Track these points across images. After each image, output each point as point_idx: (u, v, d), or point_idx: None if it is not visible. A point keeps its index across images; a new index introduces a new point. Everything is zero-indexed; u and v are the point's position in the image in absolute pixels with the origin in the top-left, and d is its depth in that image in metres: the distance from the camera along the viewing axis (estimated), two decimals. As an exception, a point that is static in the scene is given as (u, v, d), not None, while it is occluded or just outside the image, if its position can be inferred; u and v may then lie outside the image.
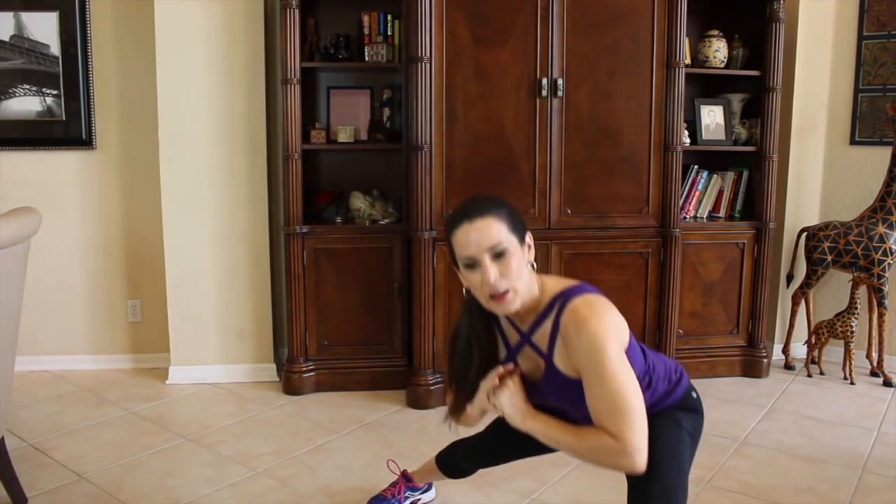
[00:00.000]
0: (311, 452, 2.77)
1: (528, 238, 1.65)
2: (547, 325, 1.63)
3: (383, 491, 2.35)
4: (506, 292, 1.57)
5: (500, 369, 1.70)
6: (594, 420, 1.55)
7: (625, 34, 3.15)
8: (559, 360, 1.62)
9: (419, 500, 2.38)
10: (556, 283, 1.66)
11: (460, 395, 1.78)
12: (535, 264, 1.66)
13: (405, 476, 2.35)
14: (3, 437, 2.24)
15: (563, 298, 1.61)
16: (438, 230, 3.11)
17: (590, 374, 1.55)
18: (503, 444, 2.01)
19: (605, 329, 1.54)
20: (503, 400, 1.64)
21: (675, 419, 1.75)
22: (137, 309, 3.70)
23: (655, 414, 1.72)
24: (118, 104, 3.58)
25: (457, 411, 1.81)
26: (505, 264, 1.57)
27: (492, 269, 1.56)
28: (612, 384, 1.52)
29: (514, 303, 1.59)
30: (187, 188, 3.38)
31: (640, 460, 1.51)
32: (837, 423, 3.06)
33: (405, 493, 2.33)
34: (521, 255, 1.60)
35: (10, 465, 2.29)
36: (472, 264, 1.58)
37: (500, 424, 1.88)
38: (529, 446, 1.79)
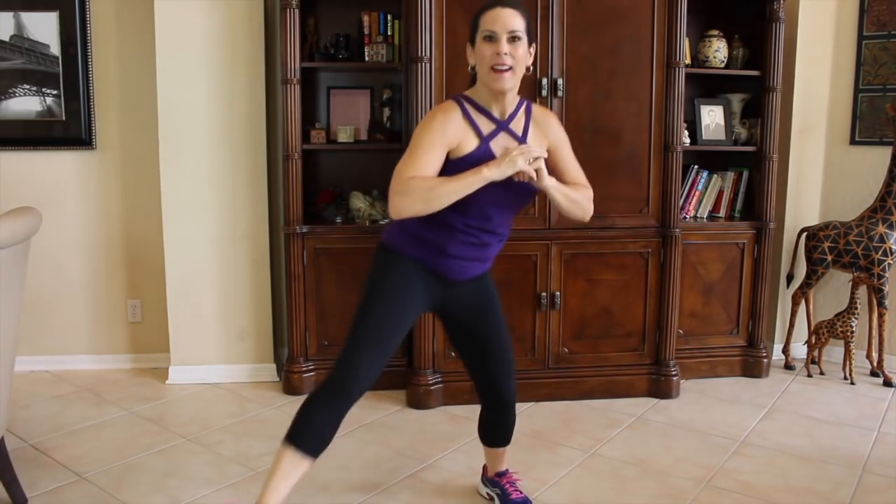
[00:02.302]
0: (311, 452, 2.76)
1: (533, 48, 1.99)
2: (521, 114, 2.02)
3: None
4: (507, 69, 1.89)
5: (522, 147, 1.90)
6: (571, 177, 2.07)
7: (625, 34, 3.15)
8: (532, 140, 2.02)
9: None
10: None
11: None
12: (531, 69, 1.99)
13: None
14: (3, 437, 2.24)
15: (526, 101, 2.05)
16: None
17: (565, 147, 2.08)
18: (387, 351, 2.03)
19: None
20: (543, 166, 1.90)
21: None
22: (137, 309, 3.70)
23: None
24: (118, 104, 3.58)
25: None
26: (515, 48, 1.90)
27: (506, 46, 1.88)
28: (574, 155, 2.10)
29: (509, 82, 1.91)
30: (187, 188, 3.38)
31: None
32: (837, 423, 3.07)
33: None
34: (526, 52, 1.93)
35: (10, 465, 2.29)
36: (491, 37, 1.89)
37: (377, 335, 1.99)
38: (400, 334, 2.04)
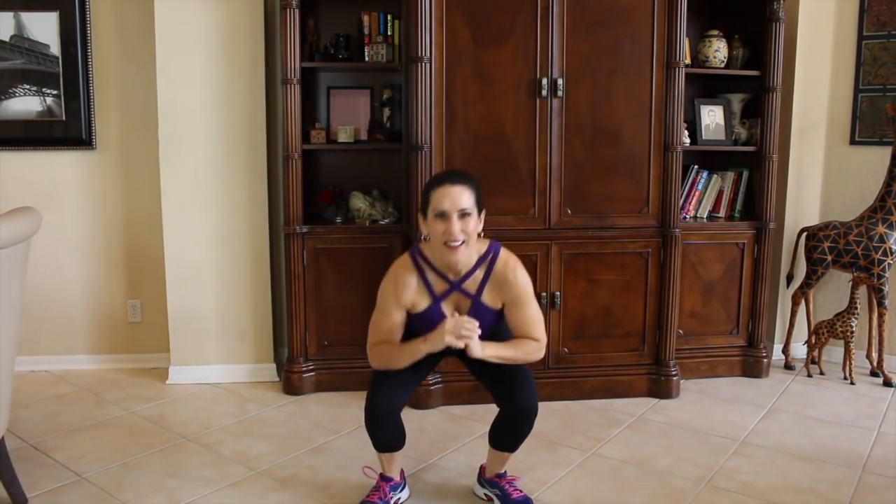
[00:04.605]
0: (311, 452, 2.76)
1: (483, 214, 2.18)
2: (479, 273, 2.19)
3: (369, 496, 2.32)
4: (461, 243, 2.09)
5: (457, 317, 2.13)
6: (520, 332, 2.21)
7: (625, 34, 3.15)
8: (486, 297, 2.20)
9: (399, 499, 2.37)
10: (480, 244, 2.20)
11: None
12: (482, 233, 2.18)
13: (384, 478, 2.34)
14: (3, 437, 2.24)
15: (493, 251, 2.20)
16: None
17: (522, 301, 2.20)
18: (408, 378, 2.26)
19: (526, 273, 2.24)
20: (474, 340, 2.09)
21: None
22: (137, 309, 3.70)
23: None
24: (118, 104, 3.58)
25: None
26: (466, 224, 2.09)
27: (456, 224, 2.07)
28: (535, 306, 2.23)
29: (463, 255, 2.11)
30: (187, 188, 3.38)
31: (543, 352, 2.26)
32: (837, 423, 3.07)
33: (389, 493, 2.33)
34: (477, 222, 2.14)
35: (10, 465, 2.29)
36: (443, 215, 2.08)
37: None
38: (425, 369, 2.29)
